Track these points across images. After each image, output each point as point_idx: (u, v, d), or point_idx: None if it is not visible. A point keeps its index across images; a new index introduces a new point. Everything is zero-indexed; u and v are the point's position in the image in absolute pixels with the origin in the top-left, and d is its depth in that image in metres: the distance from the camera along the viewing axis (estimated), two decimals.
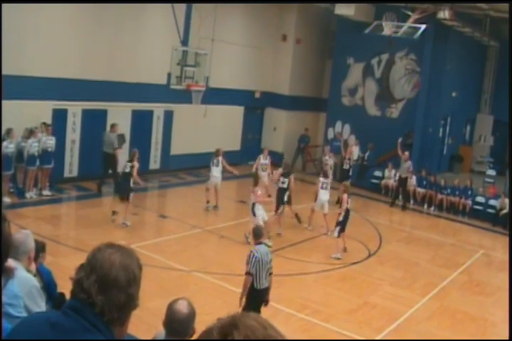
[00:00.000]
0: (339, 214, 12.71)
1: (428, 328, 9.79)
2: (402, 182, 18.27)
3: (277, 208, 13.96)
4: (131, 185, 13.59)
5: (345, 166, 18.25)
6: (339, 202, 16.18)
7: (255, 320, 1.56)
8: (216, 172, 15.31)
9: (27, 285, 3.96)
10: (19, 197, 14.27)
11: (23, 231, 4.45)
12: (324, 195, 14.42)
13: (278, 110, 23.28)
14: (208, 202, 15.32)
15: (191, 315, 3.85)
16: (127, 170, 13.67)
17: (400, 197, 18.75)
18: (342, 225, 12.61)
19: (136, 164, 13.59)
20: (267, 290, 8.09)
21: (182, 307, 3.86)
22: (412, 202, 18.93)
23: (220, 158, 15.41)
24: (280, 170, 14.79)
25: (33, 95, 14.68)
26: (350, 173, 18.22)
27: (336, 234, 12.62)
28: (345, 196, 12.64)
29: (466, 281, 12.56)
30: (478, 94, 23.57)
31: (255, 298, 7.97)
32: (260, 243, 8.03)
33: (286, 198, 13.99)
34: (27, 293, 3.89)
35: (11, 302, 3.54)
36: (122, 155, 17.56)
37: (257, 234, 8.10)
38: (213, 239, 13.22)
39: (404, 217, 18.22)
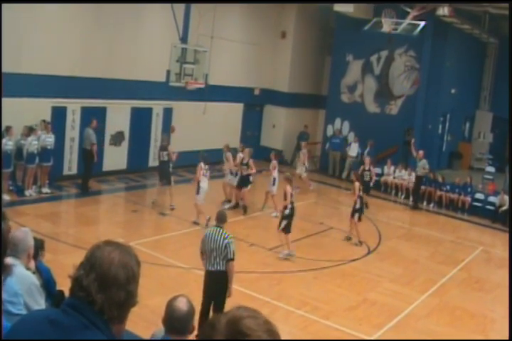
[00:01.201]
0: (284, 207, 12.13)
1: (427, 325, 9.81)
2: (417, 181, 18.29)
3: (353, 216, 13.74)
4: (171, 170, 14.92)
5: (366, 178, 16.66)
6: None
7: (253, 317, 1.58)
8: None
9: (26, 283, 3.97)
10: (18, 195, 14.27)
11: (23, 229, 4.45)
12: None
13: (277, 107, 23.27)
14: (229, 200, 15.68)
15: (190, 312, 3.85)
16: (165, 158, 14.76)
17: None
18: (288, 220, 12.06)
19: (170, 150, 14.80)
20: (219, 275, 7.95)
21: (181, 304, 3.86)
22: (410, 199, 19.03)
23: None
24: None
25: (32, 93, 14.66)
26: (371, 184, 17.32)
27: (280, 228, 12.04)
28: (288, 188, 12.04)
29: (465, 278, 12.57)
30: (477, 90, 23.56)
31: (204, 278, 8.17)
32: (219, 227, 8.08)
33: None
34: (26, 290, 3.90)
35: (11, 300, 3.54)
36: (119, 152, 17.58)
37: (218, 218, 8.23)
38: None
39: (403, 213, 18.23)
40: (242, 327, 1.53)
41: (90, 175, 15.77)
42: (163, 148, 14.96)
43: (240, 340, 1.52)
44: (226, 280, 7.96)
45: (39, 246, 7.12)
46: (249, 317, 1.56)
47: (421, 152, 18.14)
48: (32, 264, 4.51)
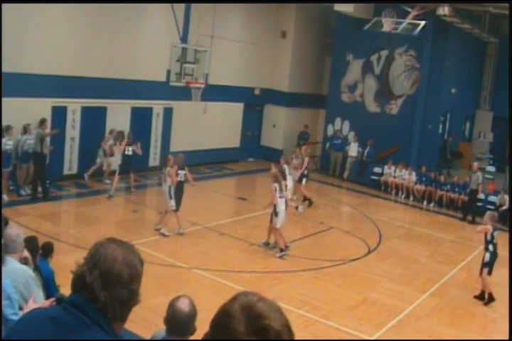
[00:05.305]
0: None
1: (428, 324, 9.80)
2: (472, 194, 17.58)
3: None
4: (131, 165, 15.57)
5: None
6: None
7: (262, 300, 1.67)
8: None
9: (23, 276, 3.95)
10: (18, 195, 14.27)
11: (9, 225, 4.42)
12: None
13: (277, 107, 23.27)
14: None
15: (192, 313, 3.82)
16: (129, 152, 15.37)
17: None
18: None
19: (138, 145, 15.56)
20: None
21: (183, 305, 3.84)
22: (411, 198, 19.07)
23: None
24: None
25: (32, 92, 14.66)
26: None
27: (485, 274, 11.25)
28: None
29: (465, 277, 12.56)
30: (477, 90, 23.55)
31: None
32: None
33: None
34: (24, 283, 3.89)
35: (4, 303, 3.52)
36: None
37: None
38: (213, 236, 13.21)
39: (403, 213, 18.23)
40: (258, 310, 1.61)
41: (45, 178, 14.51)
42: (130, 143, 15.50)
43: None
44: None
45: (49, 248, 7.15)
46: (260, 301, 1.65)
47: (475, 164, 17.64)
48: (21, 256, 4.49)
